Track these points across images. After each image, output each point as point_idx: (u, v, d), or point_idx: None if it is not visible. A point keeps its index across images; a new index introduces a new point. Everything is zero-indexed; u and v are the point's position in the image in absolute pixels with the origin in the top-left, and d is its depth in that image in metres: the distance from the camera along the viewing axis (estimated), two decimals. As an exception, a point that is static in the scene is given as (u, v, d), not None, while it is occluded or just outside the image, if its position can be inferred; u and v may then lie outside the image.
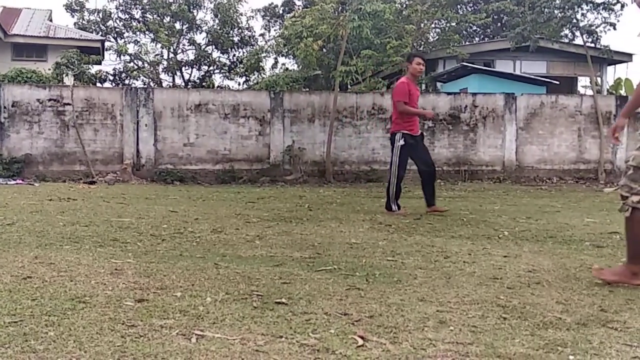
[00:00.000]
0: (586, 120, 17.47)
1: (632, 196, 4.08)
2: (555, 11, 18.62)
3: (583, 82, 27.42)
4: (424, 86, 22.59)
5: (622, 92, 21.05)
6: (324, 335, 2.91)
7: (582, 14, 19.12)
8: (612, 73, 23.81)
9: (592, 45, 19.24)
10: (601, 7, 18.60)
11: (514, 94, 17.51)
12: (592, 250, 5.70)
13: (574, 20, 18.84)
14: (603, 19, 18.92)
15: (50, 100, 15.77)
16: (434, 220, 7.93)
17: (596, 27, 19.02)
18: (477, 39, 28.73)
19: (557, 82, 20.81)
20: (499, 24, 28.09)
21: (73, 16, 25.13)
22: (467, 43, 25.10)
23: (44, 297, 3.43)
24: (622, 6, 18.37)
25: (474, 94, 17.64)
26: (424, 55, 9.10)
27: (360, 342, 2.83)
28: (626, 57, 22.65)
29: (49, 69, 18.73)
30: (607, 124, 17.40)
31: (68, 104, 15.71)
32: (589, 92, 22.66)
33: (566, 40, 22.96)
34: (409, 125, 8.51)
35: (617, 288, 4.10)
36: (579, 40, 20.68)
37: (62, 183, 14.16)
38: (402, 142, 8.39)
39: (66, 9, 24.98)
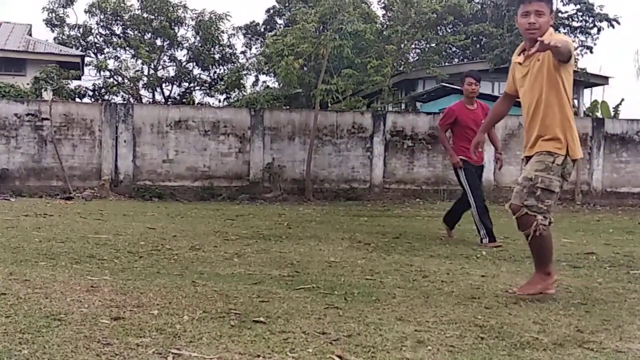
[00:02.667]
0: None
1: (538, 215, 4.23)
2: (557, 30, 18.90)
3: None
4: (403, 106, 22.75)
5: (599, 114, 21.33)
6: (302, 355, 2.89)
7: (560, 37, 19.41)
8: (589, 95, 24.11)
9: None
10: (578, 31, 18.93)
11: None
12: (568, 271, 5.74)
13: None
14: (580, 43, 19.25)
15: (28, 115, 15.64)
16: (413, 239, 7.96)
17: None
18: (456, 60, 29.02)
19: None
20: (478, 46, 28.41)
21: (53, 31, 24.98)
22: (446, 64, 25.34)
23: (18, 314, 3.38)
24: (599, 30, 18.71)
25: (453, 114, 17.76)
26: (475, 74, 8.27)
27: (338, 361, 2.82)
28: (602, 80, 22.99)
29: (28, 84, 18.58)
30: (584, 145, 17.61)
31: (46, 118, 15.58)
32: (566, 113, 22.93)
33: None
34: (465, 149, 7.64)
35: (593, 308, 4.13)
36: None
37: (39, 198, 14.02)
38: (460, 170, 7.91)
39: (46, 24, 24.84)
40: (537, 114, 4.35)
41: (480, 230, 7.73)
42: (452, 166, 8.11)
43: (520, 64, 4.48)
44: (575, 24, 18.86)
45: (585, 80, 20.36)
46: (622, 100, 22.96)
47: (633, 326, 3.67)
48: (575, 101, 22.84)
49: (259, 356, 2.85)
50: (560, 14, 19.34)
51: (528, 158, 4.46)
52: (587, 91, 24.42)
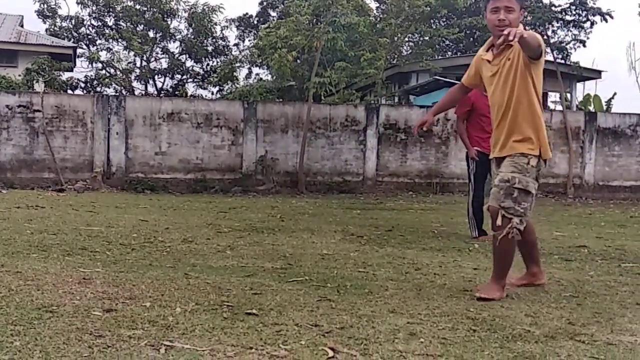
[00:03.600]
0: (555, 135, 17.70)
1: (514, 218, 4.09)
2: (527, 28, 18.89)
3: (553, 97, 27.78)
4: (396, 99, 22.75)
5: (591, 108, 21.40)
6: (294, 347, 2.90)
7: (553, 31, 19.45)
8: (582, 89, 24.15)
9: (562, 61, 19.56)
10: (571, 25, 18.95)
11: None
12: (560, 264, 5.77)
13: (545, 37, 19.13)
14: (573, 36, 19.29)
15: (19, 106, 15.55)
16: (406, 232, 7.97)
17: (566, 44, 19.37)
18: (449, 53, 29.01)
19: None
20: (472, 39, 28.40)
21: (45, 22, 24.83)
22: (439, 57, 25.33)
23: (9, 306, 3.37)
24: (592, 24, 18.73)
25: (446, 108, 17.76)
26: None
27: (331, 353, 2.82)
28: (595, 74, 23.03)
29: (19, 75, 18.47)
30: (576, 139, 17.66)
31: (38, 110, 15.50)
32: (559, 107, 22.98)
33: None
34: (480, 138, 7.50)
35: (584, 301, 4.15)
36: (549, 57, 20.96)
37: (31, 190, 13.96)
38: (471, 161, 7.62)
39: (38, 15, 24.69)
40: (507, 114, 4.22)
41: (472, 223, 7.61)
42: (465, 155, 7.82)
43: (489, 61, 4.34)
44: (568, 17, 18.86)
45: (578, 74, 20.39)
46: (615, 94, 23.06)
47: (624, 319, 3.69)
48: (568, 95, 22.89)
49: (251, 348, 2.85)
50: (553, 8, 19.34)
51: (498, 159, 4.34)
52: (579, 85, 24.46)
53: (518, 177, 4.12)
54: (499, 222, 4.11)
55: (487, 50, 4.39)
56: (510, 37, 3.80)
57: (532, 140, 4.19)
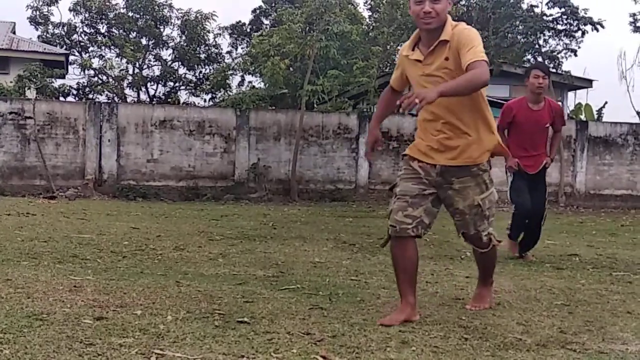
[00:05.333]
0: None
1: (491, 235, 3.95)
2: (519, 36, 18.99)
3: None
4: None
5: (583, 117, 21.48)
6: (286, 355, 2.89)
7: (545, 40, 19.53)
8: (573, 98, 24.26)
9: (554, 70, 19.62)
10: (563, 34, 19.04)
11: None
12: (552, 272, 5.78)
13: (537, 46, 19.23)
14: (564, 45, 19.37)
15: (11, 113, 15.50)
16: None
17: (558, 53, 19.45)
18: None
19: (519, 106, 21.10)
20: (464, 48, 28.53)
21: (37, 29, 24.78)
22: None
23: (-1, 314, 3.35)
24: (583, 33, 18.82)
25: (439, 116, 17.81)
26: (543, 66, 6.96)
27: (323, 362, 2.81)
28: (586, 83, 23.13)
29: (11, 82, 18.41)
30: (568, 148, 17.72)
31: (29, 117, 15.44)
32: (550, 116, 23.08)
33: (528, 65, 23.38)
34: (518, 156, 6.66)
35: (576, 310, 4.16)
36: (541, 66, 21.05)
37: (22, 198, 13.90)
38: (509, 174, 6.86)
39: (30, 22, 24.64)
40: (453, 119, 3.77)
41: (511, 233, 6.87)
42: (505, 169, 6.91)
43: (419, 61, 3.80)
44: (559, 27, 18.92)
45: (569, 83, 20.47)
46: (606, 103, 23.12)
47: (615, 327, 3.70)
48: (559, 103, 22.98)
49: (243, 357, 2.84)
50: (544, 17, 19.43)
51: (444, 168, 3.80)
52: (571, 94, 24.57)
53: (486, 197, 3.85)
54: (483, 242, 3.95)
55: (414, 48, 3.87)
56: (418, 104, 3.36)
57: (485, 145, 3.84)
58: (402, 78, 4.04)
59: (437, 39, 3.70)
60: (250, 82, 25.61)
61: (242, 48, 26.98)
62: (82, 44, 24.91)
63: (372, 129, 4.18)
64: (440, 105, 3.68)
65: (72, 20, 24.48)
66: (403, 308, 3.70)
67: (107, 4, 23.55)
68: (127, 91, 24.53)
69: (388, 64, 21.91)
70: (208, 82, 23.17)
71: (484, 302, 4.13)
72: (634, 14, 20.33)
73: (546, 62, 19.24)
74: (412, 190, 3.80)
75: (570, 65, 28.94)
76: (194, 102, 24.90)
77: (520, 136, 6.61)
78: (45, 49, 22.29)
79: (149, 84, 25.31)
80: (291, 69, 18.36)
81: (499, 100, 21.01)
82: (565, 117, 19.51)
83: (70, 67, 23.83)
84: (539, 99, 6.58)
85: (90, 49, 24.83)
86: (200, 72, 25.46)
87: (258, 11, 27.71)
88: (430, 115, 3.83)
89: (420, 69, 3.80)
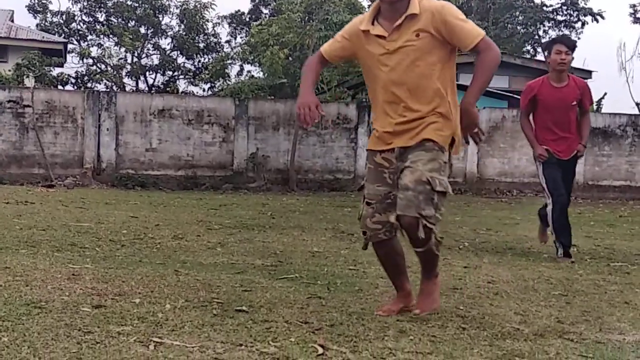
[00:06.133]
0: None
1: (435, 227, 3.39)
2: (518, 27, 18.98)
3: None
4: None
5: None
6: (284, 344, 2.89)
7: (544, 31, 19.54)
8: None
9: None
10: (562, 25, 19.03)
11: (476, 108, 17.71)
12: (550, 262, 5.79)
13: (536, 37, 19.20)
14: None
15: (9, 101, 15.47)
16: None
17: (557, 44, 19.41)
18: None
19: (519, 97, 21.10)
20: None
21: (35, 17, 24.74)
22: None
23: (-2, 301, 3.35)
24: (583, 24, 18.81)
25: (438, 106, 17.79)
26: (567, 40, 6.34)
27: (321, 350, 2.82)
28: (586, 74, 23.07)
29: (10, 70, 18.37)
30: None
31: (28, 106, 15.42)
32: (550, 107, 23.09)
33: (528, 56, 23.36)
34: (547, 140, 6.12)
35: (573, 300, 4.17)
36: (540, 56, 21.07)
37: (20, 186, 13.89)
38: (538, 162, 6.17)
39: (28, 10, 24.59)
40: (417, 98, 3.42)
41: (556, 240, 6.13)
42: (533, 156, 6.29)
43: (381, 37, 3.43)
44: (559, 17, 18.94)
45: (569, 74, 20.46)
46: (605, 94, 23.10)
47: (613, 317, 3.71)
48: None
49: (241, 345, 2.84)
50: (544, 8, 19.42)
51: (402, 150, 3.46)
52: (570, 85, 24.55)
53: (437, 177, 3.34)
54: (421, 234, 3.34)
55: (373, 22, 3.48)
56: (482, 135, 3.46)
57: (450, 130, 3.47)
58: (344, 51, 3.63)
59: (404, 13, 3.36)
60: (249, 71, 25.58)
61: (241, 37, 26.93)
62: (80, 32, 24.86)
63: (308, 93, 3.54)
64: (403, 86, 3.42)
65: (70, 9, 24.44)
66: (400, 298, 3.65)
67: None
68: (126, 80, 24.50)
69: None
70: (207, 72, 23.12)
71: (430, 299, 3.60)
72: (634, 5, 20.32)
73: (545, 53, 19.22)
74: (378, 194, 3.49)
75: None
76: (193, 92, 24.87)
77: (546, 117, 6.09)
78: (43, 37, 22.23)
79: (147, 73, 25.27)
80: (290, 58, 18.31)
81: (498, 92, 21.05)
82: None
83: (68, 56, 23.77)
84: (562, 76, 6.08)
85: (89, 37, 24.80)
86: (199, 61, 25.43)
87: (257, 0, 27.61)
88: (391, 97, 3.46)
89: (383, 46, 3.42)
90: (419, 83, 3.41)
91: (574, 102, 6.11)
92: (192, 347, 2.78)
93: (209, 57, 25.13)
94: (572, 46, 6.07)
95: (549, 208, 6.06)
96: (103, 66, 23.91)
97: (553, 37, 19.53)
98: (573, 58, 6.14)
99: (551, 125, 6.08)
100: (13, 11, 24.78)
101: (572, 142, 6.14)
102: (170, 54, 25.14)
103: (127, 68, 24.21)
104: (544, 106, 6.07)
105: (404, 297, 3.66)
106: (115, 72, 23.47)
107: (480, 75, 3.45)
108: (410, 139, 3.43)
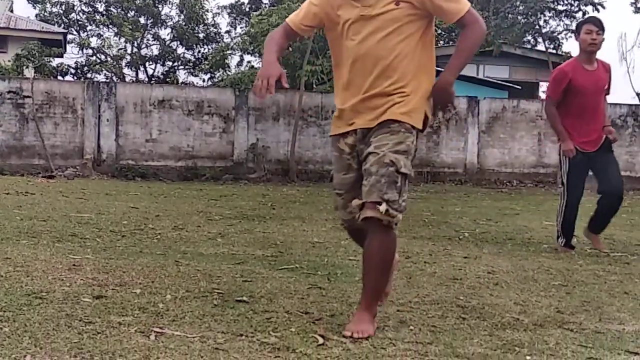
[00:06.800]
0: (546, 125, 17.69)
1: (398, 215, 3.01)
2: (519, 17, 18.91)
3: (544, 87, 27.84)
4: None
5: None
6: (284, 334, 2.90)
7: (545, 21, 19.47)
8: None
9: (554, 51, 19.59)
10: (563, 15, 18.97)
11: (476, 98, 17.71)
12: (550, 253, 5.80)
13: (537, 27, 19.16)
14: (565, 26, 19.33)
15: (9, 92, 15.45)
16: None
17: (558, 34, 19.40)
18: (441, 42, 28.98)
19: (519, 87, 21.11)
20: (464, 28, 28.39)
21: (35, 7, 24.68)
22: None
23: (-1, 292, 3.36)
24: (584, 14, 18.74)
25: (438, 97, 17.77)
26: (596, 20, 5.82)
27: (321, 340, 2.83)
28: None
29: (9, 61, 18.36)
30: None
31: (28, 96, 15.40)
32: (550, 97, 23.04)
33: (529, 46, 23.33)
34: (577, 135, 5.76)
35: (573, 290, 4.17)
36: (541, 47, 21.03)
37: (20, 177, 13.89)
38: (564, 158, 5.88)
39: (28, 1, 24.53)
40: (389, 73, 3.07)
41: (560, 232, 6.01)
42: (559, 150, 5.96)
43: (357, 0, 3.08)
44: (560, 7, 18.86)
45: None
46: (606, 84, 23.07)
47: (612, 307, 3.72)
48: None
49: (241, 335, 2.85)
50: (546, -2, 19.38)
51: (365, 131, 3.14)
52: (571, 75, 24.50)
53: (402, 160, 3.03)
54: (384, 222, 2.98)
55: None
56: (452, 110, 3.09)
57: (420, 110, 3.13)
58: (313, 19, 3.25)
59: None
60: (249, 62, 25.52)
61: (241, 27, 26.86)
62: (80, 22, 24.80)
63: (270, 63, 3.17)
64: (373, 59, 3.08)
65: (69, -1, 24.36)
66: None
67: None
68: (126, 70, 24.50)
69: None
70: (207, 62, 23.10)
71: (363, 325, 2.97)
72: (635, -5, 20.23)
73: (546, 43, 19.17)
74: (345, 183, 3.26)
75: (571, 46, 28.80)
76: (193, 82, 24.86)
77: (578, 103, 5.66)
78: (43, 27, 22.19)
79: (147, 64, 25.25)
80: (290, 49, 18.25)
81: (499, 82, 21.03)
82: None
83: (68, 46, 23.74)
84: (593, 58, 5.72)
85: (89, 27, 24.75)
86: (199, 51, 25.39)
87: (257, -10, 27.52)
88: (359, 71, 3.13)
89: (355, 11, 3.07)
90: (391, 57, 3.06)
91: (606, 86, 5.83)
92: (193, 338, 2.78)
93: (209, 47, 25.09)
94: (602, 26, 5.68)
95: (560, 203, 5.94)
96: (103, 57, 23.89)
97: (547, 26, 19.48)
98: (604, 39, 5.72)
99: (582, 112, 5.68)
100: (12, 1, 24.73)
101: (600, 131, 5.81)
102: (170, 45, 25.10)
103: (126, 58, 24.20)
104: (577, 92, 5.62)
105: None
106: (115, 63, 23.45)
107: (463, 51, 3.15)
108: (374, 118, 3.10)
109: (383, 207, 2.96)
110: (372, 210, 2.98)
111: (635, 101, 20.48)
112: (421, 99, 3.12)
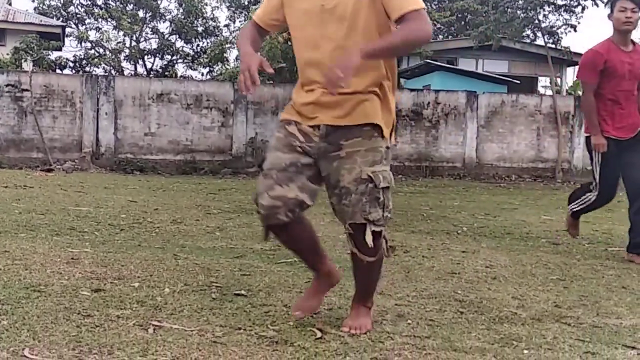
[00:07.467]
0: (545, 120, 17.73)
1: (384, 229, 2.93)
2: (518, 11, 18.86)
3: (543, 82, 27.87)
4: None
5: (581, 93, 21.43)
6: (282, 328, 2.91)
7: (544, 15, 19.41)
8: (572, 74, 24.27)
9: (553, 46, 19.55)
10: (562, 9, 18.91)
11: (475, 92, 17.70)
12: (548, 247, 5.80)
13: (536, 21, 19.11)
14: (564, 21, 19.25)
15: (7, 85, 15.42)
16: (395, 215, 7.97)
17: (557, 29, 19.35)
18: (441, 36, 28.96)
19: (518, 82, 21.10)
20: (463, 23, 28.34)
21: (33, 1, 24.64)
22: (431, 40, 25.28)
23: (-3, 285, 3.36)
24: (583, 9, 18.69)
25: (437, 91, 17.78)
26: None
27: (319, 334, 2.83)
28: (586, 58, 23.03)
29: (7, 54, 18.33)
30: (566, 124, 17.70)
31: (26, 89, 15.38)
32: (549, 92, 23.04)
33: (528, 41, 23.28)
34: (610, 122, 5.27)
35: (571, 284, 4.18)
36: (540, 41, 20.98)
37: (19, 170, 13.88)
38: (595, 152, 5.34)
39: (26, -7, 24.51)
40: (355, 70, 2.71)
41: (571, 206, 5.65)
42: (586, 140, 5.44)
43: None
44: (559, 2, 18.80)
45: (569, 59, 20.39)
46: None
47: (610, 302, 3.73)
48: (558, 79, 22.92)
49: (240, 329, 2.85)
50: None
51: (331, 129, 2.85)
52: (570, 70, 24.49)
53: (381, 173, 2.85)
54: (370, 242, 2.85)
55: None
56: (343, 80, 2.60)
57: (389, 115, 2.94)
58: (277, 12, 3.01)
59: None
60: (248, 56, 25.52)
61: (240, 21, 26.79)
62: (78, 16, 24.76)
63: (248, 54, 2.89)
64: (331, 43, 2.80)
65: (68, -8, 24.30)
66: (321, 278, 3.14)
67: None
68: (124, 64, 24.48)
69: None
70: (205, 56, 23.08)
71: (361, 320, 2.96)
72: (635, -11, 20.18)
73: (545, 38, 19.14)
74: (282, 162, 2.87)
75: (570, 41, 28.80)
76: (192, 76, 24.86)
77: (615, 89, 5.21)
78: (41, 20, 22.15)
79: (146, 57, 25.22)
80: (289, 43, 18.24)
81: (497, 76, 21.01)
82: (564, 93, 18.85)
83: (66, 40, 23.72)
84: (628, 38, 5.23)
85: (87, 21, 24.71)
86: (198, 45, 25.37)
87: (256, -16, 27.47)
88: (317, 57, 2.85)
89: (318, 2, 2.81)
90: (351, 42, 2.77)
91: None
92: (191, 331, 2.79)
93: (208, 41, 25.06)
94: (638, 2, 5.13)
95: (590, 196, 5.43)
96: (101, 50, 23.85)
97: (547, 20, 19.42)
98: None
99: (616, 98, 5.22)
100: (10, -6, 24.67)
101: (635, 117, 5.29)
102: (169, 38, 25.06)
103: (125, 52, 24.16)
104: (612, 75, 5.16)
105: (326, 276, 3.14)
106: (113, 56, 23.41)
107: (396, 37, 2.77)
108: (341, 117, 2.83)
109: (369, 236, 2.83)
110: (357, 233, 2.86)
111: None
112: (387, 104, 2.92)
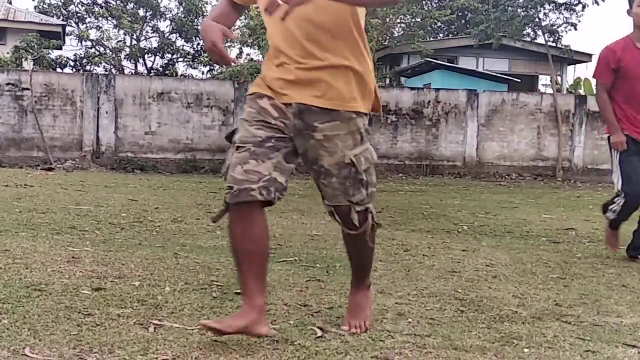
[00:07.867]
0: (545, 118, 17.73)
1: (370, 205, 2.86)
2: (519, 10, 18.86)
3: (544, 80, 27.84)
4: (387, 80, 22.66)
5: (582, 91, 21.41)
6: (283, 326, 2.91)
7: (545, 14, 19.41)
8: (572, 72, 24.32)
9: (554, 44, 19.55)
10: (563, 7, 18.92)
11: (476, 91, 17.69)
12: (548, 246, 5.81)
13: (537, 20, 19.11)
14: (565, 19, 19.26)
15: (8, 84, 15.41)
16: (395, 213, 7.99)
17: (558, 27, 19.35)
18: (441, 35, 28.95)
19: (519, 80, 21.09)
20: (463, 21, 28.33)
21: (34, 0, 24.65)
22: (431, 39, 25.26)
23: (-2, 284, 3.36)
24: (584, 7, 18.70)
25: (437, 90, 17.77)
26: None
27: (319, 333, 2.84)
28: (586, 57, 23.05)
29: (8, 53, 18.33)
30: (566, 122, 17.69)
31: (27, 88, 15.37)
32: (549, 90, 23.02)
33: (528, 39, 23.29)
34: (627, 125, 5.03)
35: (571, 283, 4.18)
36: (540, 40, 20.99)
37: (19, 169, 13.88)
38: (614, 151, 5.10)
39: (26, -8, 24.53)
40: (333, 45, 2.67)
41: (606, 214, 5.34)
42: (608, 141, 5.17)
43: None
44: (560, 0, 18.80)
45: (569, 57, 20.42)
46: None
47: (610, 300, 3.73)
48: (559, 78, 22.91)
49: (240, 327, 2.85)
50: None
51: (304, 108, 2.69)
52: (570, 68, 24.50)
53: (362, 154, 2.78)
54: (355, 221, 2.83)
55: None
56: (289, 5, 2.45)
57: (365, 82, 2.78)
58: None
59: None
60: (248, 54, 25.51)
61: (240, 20, 26.81)
62: (79, 14, 24.74)
63: (208, 26, 2.72)
64: (303, 18, 2.61)
65: (68, -9, 24.29)
66: (245, 311, 2.64)
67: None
68: (125, 63, 24.46)
69: (387, 37, 21.79)
70: (206, 54, 23.04)
71: (362, 314, 2.96)
72: (635, -12, 20.17)
73: (546, 37, 19.13)
74: (257, 137, 2.69)
75: (570, 39, 28.76)
76: (192, 75, 24.83)
77: (630, 91, 4.97)
78: (41, 19, 22.14)
79: (146, 56, 25.19)
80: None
81: (498, 75, 21.00)
82: (564, 92, 18.84)
83: (67, 38, 23.71)
84: None
85: (87, 19, 24.69)
86: (198, 43, 25.32)
87: (256, -18, 27.45)
88: (288, 31, 2.67)
89: None
90: (322, 18, 2.65)
91: None
92: (192, 330, 2.79)
93: (208, 39, 25.03)
94: None
95: (619, 200, 5.10)
96: (102, 49, 23.84)
97: (547, 19, 19.43)
98: None
99: (630, 99, 5.00)
100: (11, -7, 24.66)
101: None
102: (169, 37, 25.04)
103: (125, 51, 24.14)
104: (626, 76, 4.93)
105: (253, 313, 2.62)
106: (113, 55, 23.40)
107: None
108: (316, 96, 2.67)
109: (354, 216, 2.80)
110: (342, 213, 2.83)
111: None
112: (366, 81, 2.77)
